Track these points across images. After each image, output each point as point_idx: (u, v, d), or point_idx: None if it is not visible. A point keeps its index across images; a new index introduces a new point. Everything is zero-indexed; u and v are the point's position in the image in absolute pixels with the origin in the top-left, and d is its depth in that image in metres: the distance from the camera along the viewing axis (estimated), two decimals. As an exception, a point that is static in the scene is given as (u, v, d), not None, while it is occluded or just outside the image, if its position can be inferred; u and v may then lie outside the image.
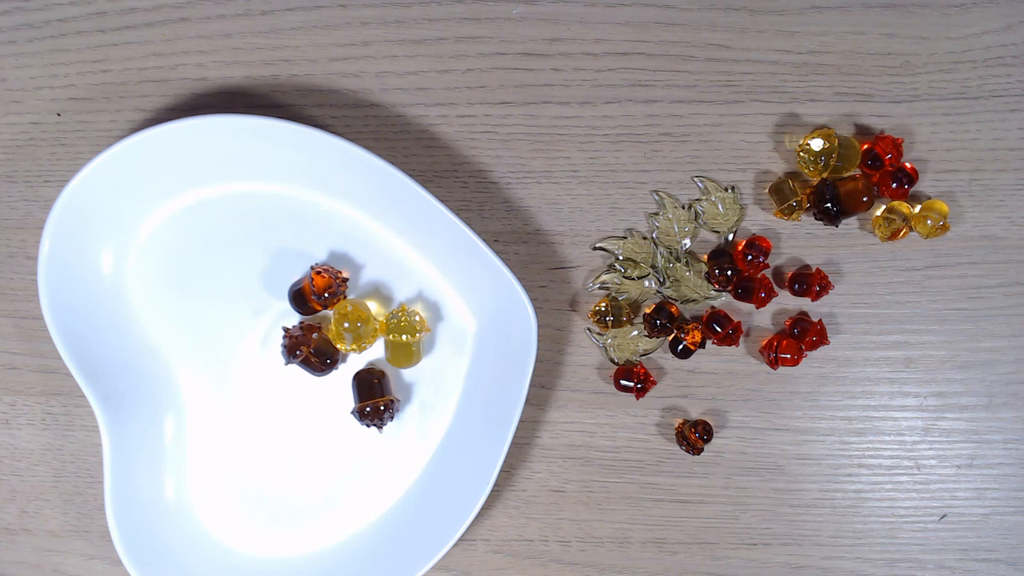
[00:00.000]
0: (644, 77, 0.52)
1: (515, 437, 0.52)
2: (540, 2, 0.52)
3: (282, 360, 0.52)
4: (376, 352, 0.53)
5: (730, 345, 0.52)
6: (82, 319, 0.50)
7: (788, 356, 0.51)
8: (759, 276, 0.52)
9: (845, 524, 0.54)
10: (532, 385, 0.53)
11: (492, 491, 0.52)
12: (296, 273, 0.52)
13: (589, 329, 0.53)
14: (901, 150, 0.51)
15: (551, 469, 0.54)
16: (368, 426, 0.51)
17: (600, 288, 0.53)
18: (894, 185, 0.51)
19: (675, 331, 0.51)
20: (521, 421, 0.53)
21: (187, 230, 0.52)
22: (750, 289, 0.51)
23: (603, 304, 0.52)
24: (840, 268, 0.53)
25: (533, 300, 0.53)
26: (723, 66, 0.52)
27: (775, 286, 0.52)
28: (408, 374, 0.53)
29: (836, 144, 0.50)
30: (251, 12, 0.52)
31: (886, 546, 0.54)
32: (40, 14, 0.52)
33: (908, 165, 0.51)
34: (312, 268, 0.50)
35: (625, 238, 0.52)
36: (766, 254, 0.51)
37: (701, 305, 0.52)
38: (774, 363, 0.52)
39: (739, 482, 0.54)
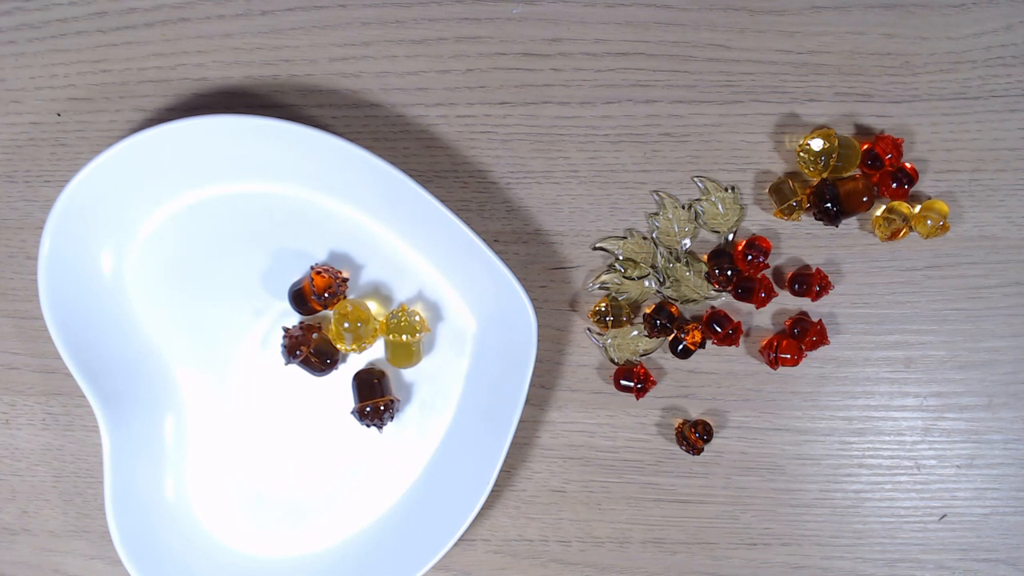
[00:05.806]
0: (644, 77, 0.52)
1: (515, 437, 0.52)
2: (540, 2, 0.52)
3: (282, 360, 0.52)
4: (376, 352, 0.53)
5: (730, 345, 0.51)
6: (82, 319, 0.50)
7: (788, 356, 0.51)
8: (759, 276, 0.52)
9: (845, 524, 0.54)
10: (532, 385, 0.53)
11: (492, 491, 0.52)
12: (296, 273, 0.52)
13: (589, 329, 0.53)
14: (901, 150, 0.51)
15: (551, 469, 0.54)
16: (368, 426, 0.51)
17: (600, 288, 0.53)
18: (894, 185, 0.51)
19: (675, 331, 0.51)
20: (521, 421, 0.53)
21: (187, 230, 0.52)
22: (750, 289, 0.51)
23: (603, 304, 0.52)
24: (840, 268, 0.53)
25: (533, 300, 0.53)
26: (723, 66, 0.52)
27: (775, 286, 0.52)
28: (408, 374, 0.53)
29: (836, 144, 0.50)
30: (251, 12, 0.52)
31: (886, 546, 0.54)
32: (40, 14, 0.52)
33: (908, 165, 0.51)
34: (312, 268, 0.50)
35: (625, 238, 0.52)
36: (766, 254, 0.51)
37: (701, 305, 0.52)
38: (774, 363, 0.52)
39: (739, 482, 0.53)
